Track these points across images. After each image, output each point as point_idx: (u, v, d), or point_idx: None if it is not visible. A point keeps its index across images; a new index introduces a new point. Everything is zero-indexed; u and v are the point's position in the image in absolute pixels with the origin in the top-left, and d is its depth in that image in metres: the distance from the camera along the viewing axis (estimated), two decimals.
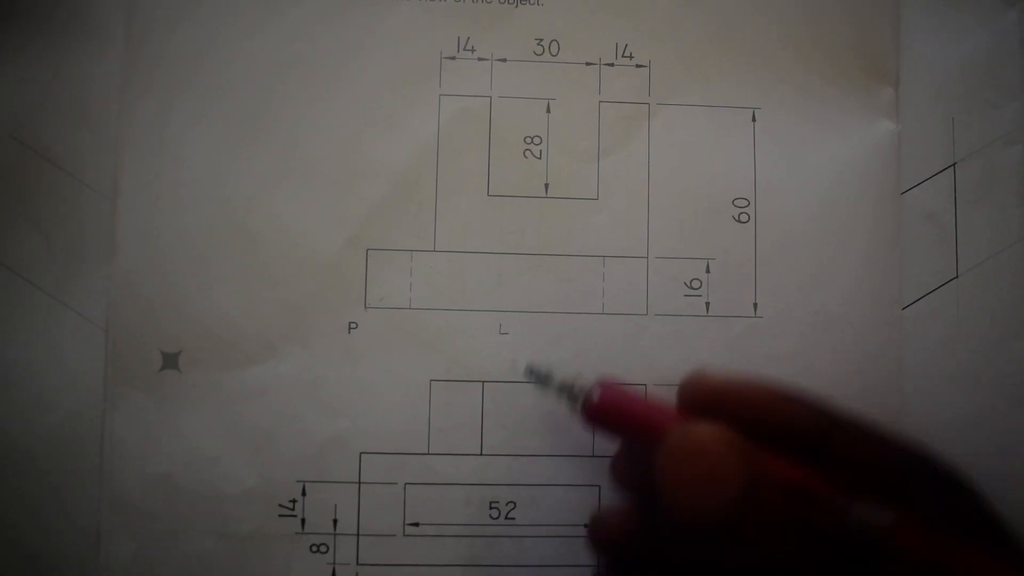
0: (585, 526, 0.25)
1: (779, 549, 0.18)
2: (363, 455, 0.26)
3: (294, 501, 0.26)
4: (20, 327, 0.26)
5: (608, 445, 0.27)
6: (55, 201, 0.27)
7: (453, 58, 0.27)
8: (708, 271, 0.27)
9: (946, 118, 0.28)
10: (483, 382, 0.27)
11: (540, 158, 0.27)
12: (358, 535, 0.26)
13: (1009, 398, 0.27)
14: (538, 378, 0.24)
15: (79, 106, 0.27)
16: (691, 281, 0.27)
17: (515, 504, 0.27)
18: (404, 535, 0.26)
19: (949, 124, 0.28)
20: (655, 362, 0.27)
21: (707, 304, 0.27)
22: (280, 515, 0.26)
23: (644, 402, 0.23)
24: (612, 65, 0.28)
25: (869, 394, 0.27)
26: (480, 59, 0.27)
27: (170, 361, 0.26)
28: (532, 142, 0.27)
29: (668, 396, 0.24)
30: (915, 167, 0.28)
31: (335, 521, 0.26)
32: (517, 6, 0.28)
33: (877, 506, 0.18)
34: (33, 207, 0.27)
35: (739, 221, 0.27)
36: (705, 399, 0.22)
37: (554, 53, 0.28)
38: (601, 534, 0.23)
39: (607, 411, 0.22)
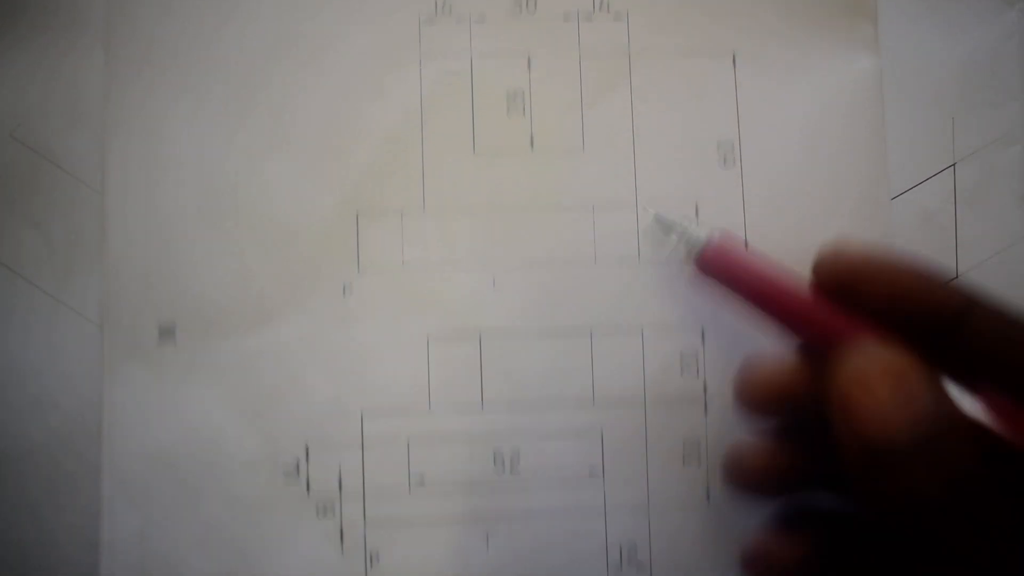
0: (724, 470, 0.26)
1: (953, 476, 0.18)
2: (365, 415, 0.27)
3: (298, 465, 0.26)
4: (19, 326, 0.27)
5: (608, 392, 0.27)
6: (54, 200, 0.27)
7: (431, 21, 0.28)
8: (697, 215, 0.27)
9: (945, 118, 0.28)
10: (480, 336, 0.27)
11: (524, 114, 0.28)
12: (364, 495, 0.27)
13: None
14: (663, 225, 0.26)
15: (73, 103, 0.27)
16: None
17: (519, 455, 0.27)
18: (410, 492, 0.27)
19: (948, 124, 0.28)
20: (649, 308, 0.27)
21: None
22: (285, 480, 0.26)
23: (763, 261, 0.23)
24: (590, 19, 0.28)
25: None
26: (458, 20, 0.28)
27: (167, 334, 0.27)
28: (515, 98, 0.28)
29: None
30: (913, 167, 0.28)
31: (340, 482, 0.27)
32: None
33: None
34: (32, 206, 0.27)
35: (725, 164, 0.28)
36: (842, 278, 0.22)
37: (531, 10, 0.28)
38: (743, 478, 0.24)
39: (721, 260, 0.24)
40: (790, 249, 0.27)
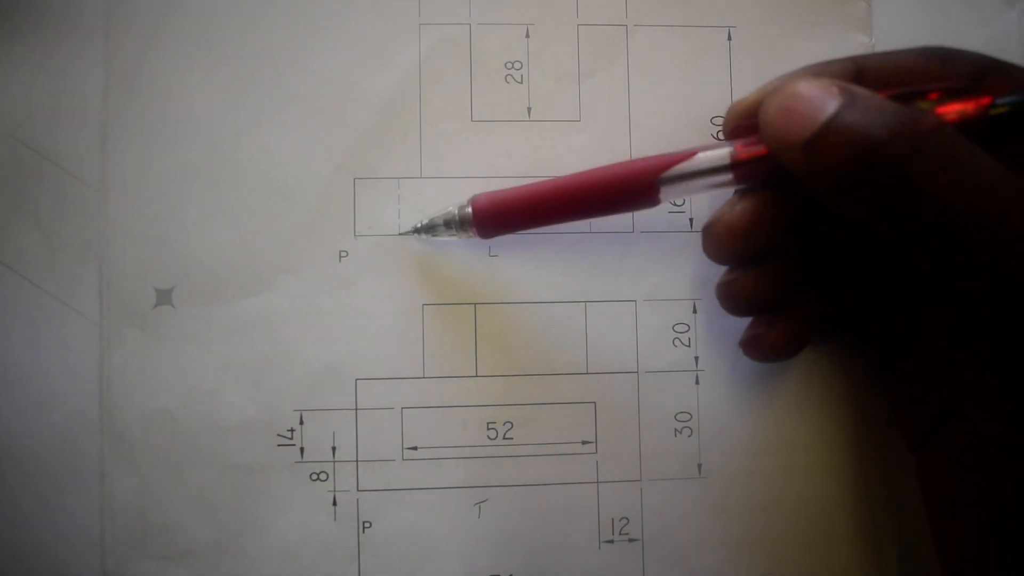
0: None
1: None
2: (359, 381, 0.27)
3: (292, 430, 0.27)
4: (20, 326, 0.26)
5: (602, 362, 0.27)
6: (55, 200, 0.27)
7: None
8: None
9: None
10: (475, 304, 0.27)
11: (521, 83, 0.28)
12: (357, 461, 0.27)
13: None
14: (424, 230, 0.26)
15: (74, 103, 0.27)
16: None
17: (512, 424, 0.27)
18: (403, 459, 0.27)
19: None
20: (643, 277, 0.27)
21: (691, 220, 0.28)
22: (279, 445, 0.27)
23: (525, 187, 0.25)
24: None
25: None
26: None
27: (164, 297, 0.27)
28: (513, 67, 0.28)
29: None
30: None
31: (334, 449, 0.27)
32: None
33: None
34: (33, 206, 0.27)
35: (718, 139, 0.28)
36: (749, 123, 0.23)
37: None
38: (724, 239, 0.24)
39: (497, 208, 0.25)
40: None
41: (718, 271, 0.27)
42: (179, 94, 0.27)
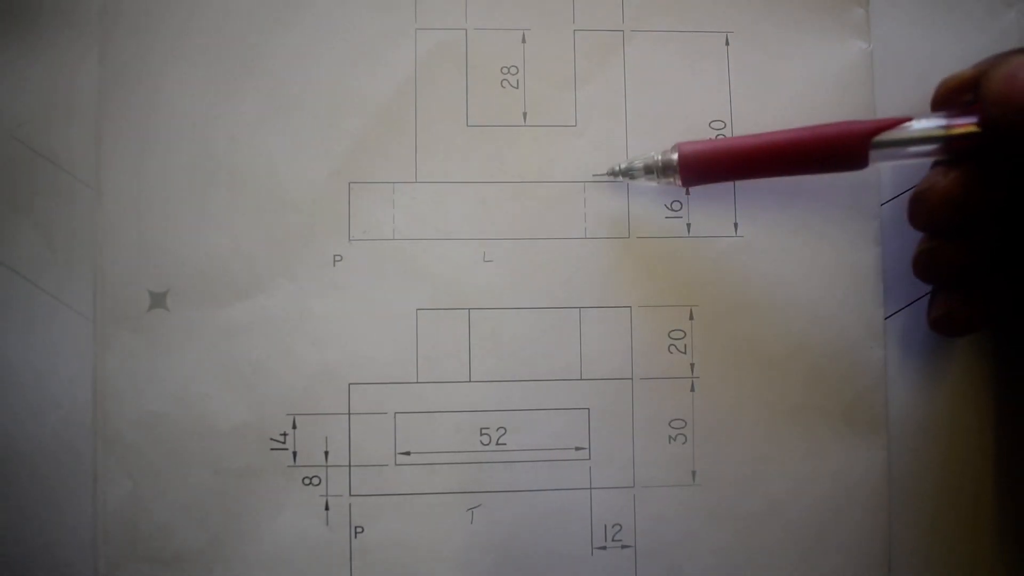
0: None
1: None
2: (352, 386, 0.27)
3: (285, 435, 0.27)
4: (19, 326, 0.26)
5: (596, 369, 0.27)
6: (54, 201, 0.27)
7: None
8: (688, 192, 0.28)
9: None
10: (469, 309, 0.27)
11: (517, 88, 0.28)
12: (350, 466, 0.27)
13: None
14: (623, 174, 0.27)
15: (72, 102, 0.27)
16: (671, 203, 0.28)
17: (506, 430, 0.27)
18: (395, 464, 0.27)
19: None
20: (640, 283, 0.27)
21: (688, 225, 0.28)
22: (272, 449, 0.26)
23: (731, 139, 0.26)
24: None
25: (851, 305, 0.27)
26: None
27: (158, 300, 0.27)
28: (509, 72, 0.28)
29: None
30: (911, 170, 0.27)
31: (326, 453, 0.27)
32: None
33: None
34: (33, 206, 0.27)
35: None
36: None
37: None
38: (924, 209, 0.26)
39: (703, 156, 0.26)
40: (779, 229, 0.27)
41: (716, 279, 0.27)
42: (174, 97, 0.27)
